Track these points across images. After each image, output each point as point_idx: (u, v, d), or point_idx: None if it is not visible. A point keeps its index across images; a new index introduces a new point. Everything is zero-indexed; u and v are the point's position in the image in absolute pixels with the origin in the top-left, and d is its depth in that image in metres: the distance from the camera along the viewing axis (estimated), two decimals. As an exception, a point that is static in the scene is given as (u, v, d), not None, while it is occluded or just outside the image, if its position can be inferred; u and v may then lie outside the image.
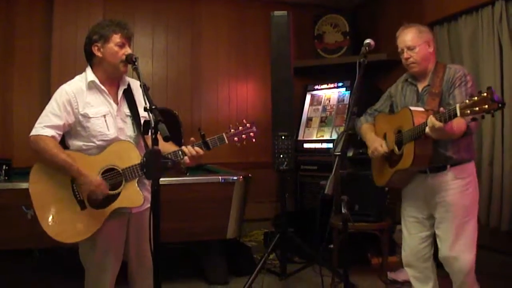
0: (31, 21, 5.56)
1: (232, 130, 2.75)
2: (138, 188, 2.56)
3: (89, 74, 2.63)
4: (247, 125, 2.79)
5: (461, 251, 2.88)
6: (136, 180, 2.56)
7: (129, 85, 2.75)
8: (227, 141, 2.71)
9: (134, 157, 2.57)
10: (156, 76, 5.89)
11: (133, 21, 5.79)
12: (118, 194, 2.55)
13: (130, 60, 2.53)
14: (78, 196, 2.54)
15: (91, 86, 2.62)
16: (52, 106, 2.55)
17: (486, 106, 2.26)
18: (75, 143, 2.61)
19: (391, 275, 4.31)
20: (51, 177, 2.55)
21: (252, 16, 6.40)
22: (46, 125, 2.52)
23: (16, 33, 5.51)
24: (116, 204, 2.55)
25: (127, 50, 2.60)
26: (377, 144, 3.07)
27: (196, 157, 2.62)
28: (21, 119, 5.41)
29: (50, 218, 2.53)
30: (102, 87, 2.62)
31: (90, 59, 2.66)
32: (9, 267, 4.29)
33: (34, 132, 2.52)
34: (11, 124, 5.44)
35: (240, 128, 2.77)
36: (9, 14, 5.49)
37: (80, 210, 2.54)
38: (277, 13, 4.41)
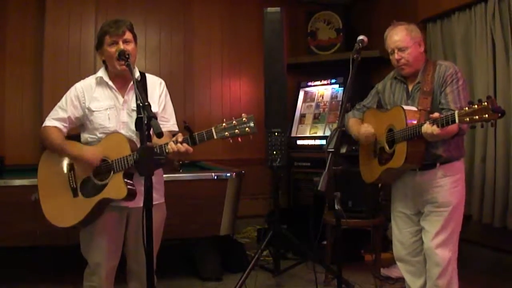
0: (23, 16, 5.51)
1: (223, 125, 2.41)
2: (123, 180, 2.56)
3: (99, 71, 2.80)
4: (244, 119, 2.40)
5: (440, 245, 2.86)
6: (123, 172, 2.57)
7: (145, 81, 2.83)
8: (215, 137, 2.41)
9: (125, 149, 2.58)
10: (149, 72, 5.71)
11: (125, 17, 5.73)
12: (106, 185, 2.60)
13: (121, 56, 2.56)
14: (72, 183, 2.67)
15: (99, 81, 2.76)
16: (61, 101, 2.77)
17: (486, 115, 2.25)
18: (84, 135, 2.78)
19: (384, 271, 4.32)
20: (54, 164, 2.74)
21: (245, 12, 6.38)
22: (53, 117, 2.75)
23: (8, 28, 5.45)
24: (101, 195, 2.59)
25: (119, 47, 2.62)
26: (366, 128, 3.07)
27: (181, 153, 2.47)
28: (13, 116, 5.36)
29: (48, 202, 2.70)
30: (110, 83, 2.74)
31: (104, 62, 2.80)
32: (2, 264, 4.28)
33: (43, 124, 2.76)
34: (3, 121, 5.38)
35: (234, 122, 2.41)
36: (1, 10, 5.44)
37: (72, 197, 2.66)
38: (270, 9, 4.40)
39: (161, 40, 6.08)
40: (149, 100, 2.67)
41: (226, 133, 2.40)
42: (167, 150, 2.48)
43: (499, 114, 2.24)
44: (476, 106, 2.29)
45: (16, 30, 5.48)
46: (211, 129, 2.42)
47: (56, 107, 2.76)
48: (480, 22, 4.40)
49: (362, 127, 3.10)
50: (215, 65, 6.33)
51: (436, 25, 5.01)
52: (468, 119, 2.32)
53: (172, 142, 2.46)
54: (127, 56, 2.54)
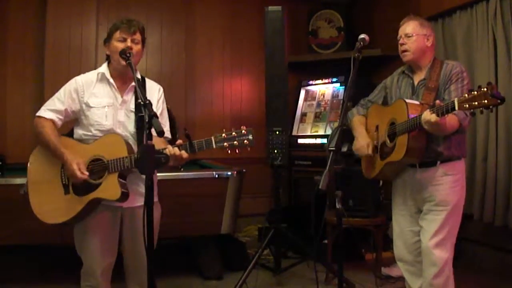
0: (24, 14, 5.51)
1: (223, 135, 2.49)
2: (117, 182, 2.55)
3: (102, 67, 2.78)
4: (243, 131, 2.48)
5: (437, 245, 2.85)
6: (118, 173, 2.56)
7: (144, 84, 2.81)
8: (214, 146, 2.48)
9: (122, 150, 2.57)
10: (150, 71, 5.80)
11: (126, 15, 5.73)
12: (99, 184, 2.58)
13: (123, 54, 2.56)
14: (63, 180, 2.64)
15: (100, 78, 2.74)
16: (60, 92, 2.72)
17: (486, 101, 2.26)
18: (78, 131, 2.73)
19: (385, 271, 4.32)
20: (46, 159, 2.67)
21: (246, 10, 6.37)
22: (49, 108, 2.68)
23: (10, 27, 5.46)
24: (94, 194, 2.57)
25: (127, 44, 2.63)
26: (364, 144, 3.09)
27: (177, 159, 2.51)
28: (14, 114, 5.37)
29: (37, 197, 2.65)
30: (111, 80, 2.72)
31: (107, 57, 2.79)
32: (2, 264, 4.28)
33: (38, 113, 2.69)
34: (4, 119, 5.39)
35: (233, 133, 2.48)
36: (2, 8, 5.44)
37: (63, 194, 2.63)
38: (271, 8, 4.40)
39: (162, 38, 6.08)
40: None
41: (225, 143, 2.48)
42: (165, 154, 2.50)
43: (499, 100, 2.25)
44: (475, 92, 2.31)
45: (17, 28, 5.48)
46: (211, 139, 2.49)
47: (54, 98, 2.71)
48: (481, 21, 4.40)
49: (364, 140, 3.11)
50: (216, 64, 6.32)
51: (438, 23, 5.00)
52: (467, 105, 2.33)
53: (170, 146, 2.50)
54: (128, 55, 2.54)
